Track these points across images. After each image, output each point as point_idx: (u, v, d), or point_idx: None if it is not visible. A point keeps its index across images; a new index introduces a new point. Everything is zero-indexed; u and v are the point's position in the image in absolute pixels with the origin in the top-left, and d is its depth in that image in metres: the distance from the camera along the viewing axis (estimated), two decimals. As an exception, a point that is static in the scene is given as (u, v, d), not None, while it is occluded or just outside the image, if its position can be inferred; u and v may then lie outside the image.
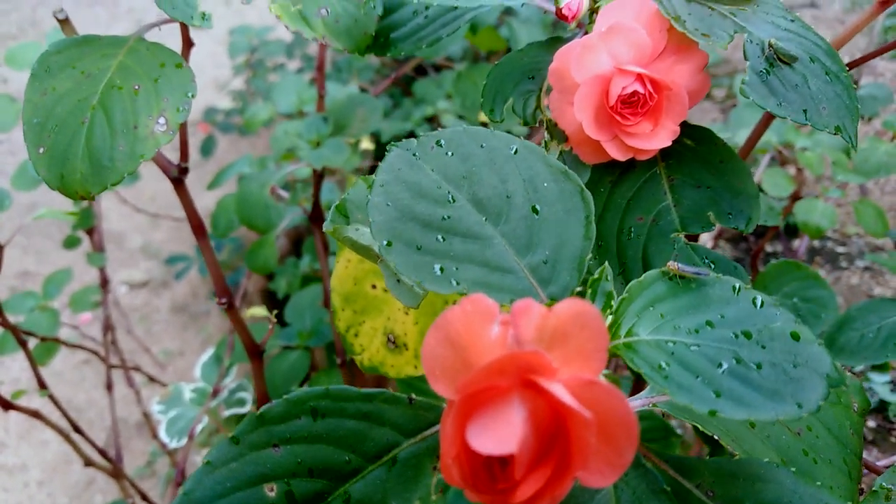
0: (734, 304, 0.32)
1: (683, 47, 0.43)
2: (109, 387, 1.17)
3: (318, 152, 0.94)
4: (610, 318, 0.32)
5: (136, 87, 0.46)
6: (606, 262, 0.32)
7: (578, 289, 0.32)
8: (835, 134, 0.40)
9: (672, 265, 0.32)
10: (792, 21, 0.43)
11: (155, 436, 1.19)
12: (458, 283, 0.31)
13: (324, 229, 0.42)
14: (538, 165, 0.35)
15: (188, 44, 0.56)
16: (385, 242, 0.32)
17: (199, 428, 1.26)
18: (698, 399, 0.28)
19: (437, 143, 0.36)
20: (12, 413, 2.23)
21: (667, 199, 0.46)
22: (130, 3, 3.67)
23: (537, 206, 0.34)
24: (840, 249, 1.92)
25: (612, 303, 0.32)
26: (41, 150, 0.44)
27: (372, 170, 2.09)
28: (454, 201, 0.34)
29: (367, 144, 1.93)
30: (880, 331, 0.91)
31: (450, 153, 0.35)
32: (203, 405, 1.34)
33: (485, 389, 0.25)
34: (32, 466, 1.91)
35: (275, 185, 0.98)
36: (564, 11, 0.45)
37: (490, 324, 0.26)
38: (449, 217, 0.33)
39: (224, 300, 0.68)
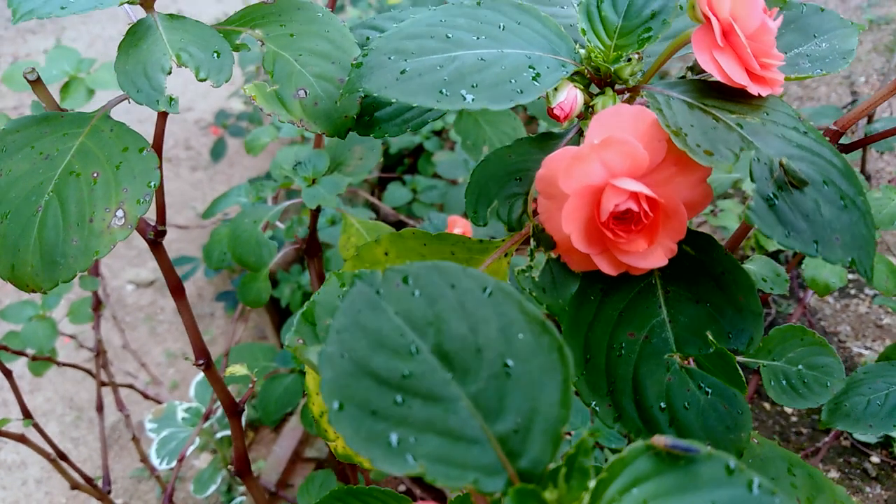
0: (727, 488, 0.28)
1: (684, 158, 0.39)
2: (100, 408, 1.15)
3: (314, 190, 0.91)
4: (586, 501, 0.28)
5: (95, 175, 0.42)
6: (585, 433, 0.29)
7: (552, 465, 0.29)
8: (848, 268, 0.36)
9: (659, 440, 0.29)
10: (805, 133, 0.39)
11: (143, 459, 1.17)
12: (415, 460, 0.28)
13: (285, 344, 0.39)
14: (513, 312, 0.31)
15: (163, 115, 0.53)
16: (336, 406, 0.29)
17: (189, 450, 1.24)
18: None
19: (404, 279, 0.32)
20: (12, 410, 2.22)
21: (662, 313, 0.43)
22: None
23: (510, 363, 0.30)
24: (849, 277, 1.87)
25: (589, 483, 0.29)
26: (-7, 236, 0.41)
27: (380, 181, 2.06)
28: (417, 353, 0.30)
29: (375, 156, 1.90)
30: (888, 397, 0.88)
31: (417, 293, 0.32)
32: (196, 425, 1.32)
33: None
34: (31, 464, 1.91)
35: (267, 221, 0.95)
36: (556, 111, 0.41)
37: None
38: (410, 374, 0.30)
39: (202, 361, 0.65)
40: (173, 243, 2.48)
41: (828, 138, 0.57)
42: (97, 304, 1.16)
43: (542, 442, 0.29)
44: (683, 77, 0.45)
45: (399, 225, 2.02)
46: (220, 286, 2.30)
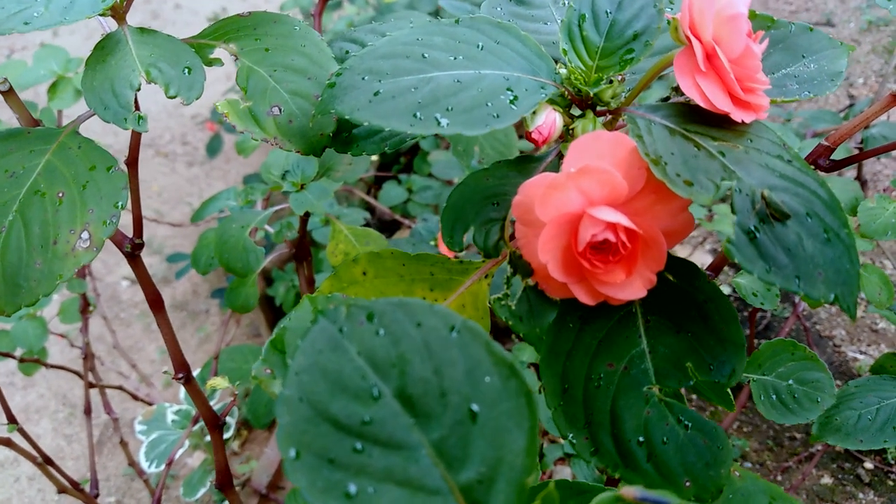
0: (694, 541, 0.27)
1: (664, 186, 0.38)
2: (87, 411, 1.14)
3: (302, 196, 0.90)
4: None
5: (61, 195, 0.41)
6: (552, 486, 0.28)
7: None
8: (831, 304, 0.35)
9: (628, 492, 0.28)
10: (789, 162, 0.38)
11: (131, 462, 1.16)
12: (371, 511, 0.27)
13: (252, 374, 0.38)
14: (480, 353, 0.30)
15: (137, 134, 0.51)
16: (293, 454, 0.28)
17: (178, 454, 1.23)
18: None
19: (369, 316, 0.31)
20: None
21: (642, 343, 0.41)
22: (146, -9, 3.63)
23: (476, 408, 0.29)
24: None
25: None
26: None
27: (376, 180, 2.05)
28: (379, 398, 0.29)
29: (370, 154, 1.88)
30: (879, 412, 0.87)
31: (381, 331, 0.31)
32: (185, 428, 1.31)
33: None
34: (24, 461, 1.90)
35: (256, 227, 0.93)
36: (534, 136, 0.40)
37: None
38: (370, 420, 0.29)
39: (181, 375, 0.64)
40: (168, 239, 2.47)
41: (819, 153, 0.56)
42: (85, 307, 1.14)
43: (507, 493, 0.28)
44: (668, 98, 0.44)
45: (394, 224, 2.01)
46: (216, 283, 2.28)
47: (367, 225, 2.02)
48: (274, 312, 1.92)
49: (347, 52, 0.51)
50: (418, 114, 0.38)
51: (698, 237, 1.98)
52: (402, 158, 2.03)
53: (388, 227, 2.01)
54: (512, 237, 0.41)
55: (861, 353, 1.75)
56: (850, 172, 1.67)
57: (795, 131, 1.38)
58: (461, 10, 1.37)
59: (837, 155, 1.10)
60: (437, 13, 1.73)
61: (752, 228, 0.35)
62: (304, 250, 1.02)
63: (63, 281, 0.39)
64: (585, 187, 0.37)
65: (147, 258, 2.49)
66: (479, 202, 0.42)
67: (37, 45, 3.37)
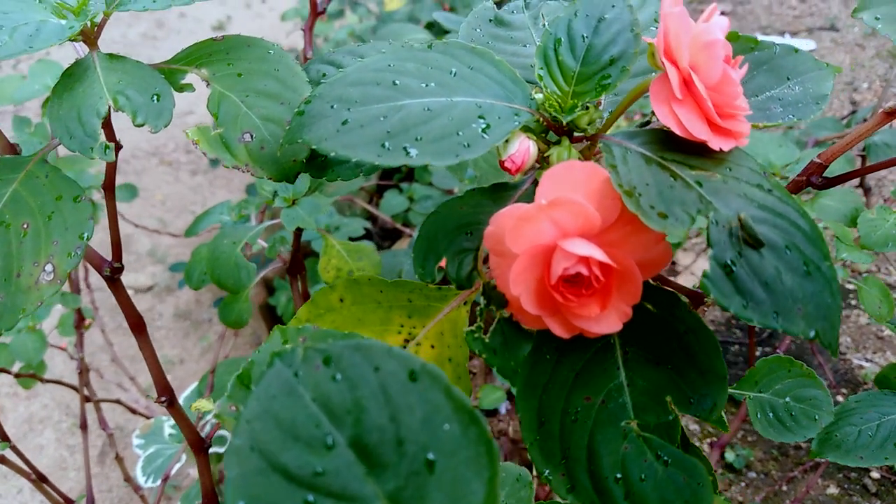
0: None
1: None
2: (83, 426, 1.13)
3: (293, 211, 0.89)
4: None
5: (25, 226, 0.40)
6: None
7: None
8: (811, 341, 0.34)
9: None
10: (769, 191, 0.36)
11: (127, 478, 1.15)
12: (320, 570, 0.26)
13: (214, 412, 0.37)
14: (440, 399, 0.29)
15: (115, 147, 0.50)
16: (240, 507, 0.27)
17: (174, 469, 1.23)
18: None
19: (325, 360, 0.30)
20: (9, 416, 2.22)
21: (620, 375, 0.40)
22: None
23: (433, 457, 0.28)
24: (850, 286, 1.84)
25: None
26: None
27: (378, 189, 2.04)
28: (333, 447, 0.28)
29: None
30: (879, 428, 0.85)
31: (337, 376, 0.30)
32: (182, 442, 1.30)
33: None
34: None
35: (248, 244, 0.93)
36: (507, 164, 0.39)
37: None
38: (323, 471, 0.28)
39: (164, 399, 0.64)
40: (171, 248, 2.47)
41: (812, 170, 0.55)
42: (80, 321, 1.14)
43: (465, 546, 0.27)
44: (648, 122, 0.43)
45: (395, 233, 2.00)
46: (218, 292, 2.28)
47: (368, 233, 2.01)
48: (276, 321, 1.92)
49: (324, 74, 0.50)
50: (387, 144, 0.37)
51: (700, 244, 1.96)
52: (402, 167, 2.02)
53: (389, 235, 2.01)
54: (486, 260, 0.40)
55: (867, 360, 1.73)
56: (853, 180, 1.65)
57: (797, 139, 1.36)
58: (456, 22, 1.36)
59: (839, 164, 1.08)
60: (430, 25, 1.72)
61: (729, 262, 0.34)
62: (298, 265, 1.01)
63: (26, 315, 0.38)
64: (558, 218, 0.36)
65: (150, 267, 2.49)
66: (452, 231, 0.40)
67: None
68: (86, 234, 0.40)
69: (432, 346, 0.47)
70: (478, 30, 0.49)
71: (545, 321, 0.38)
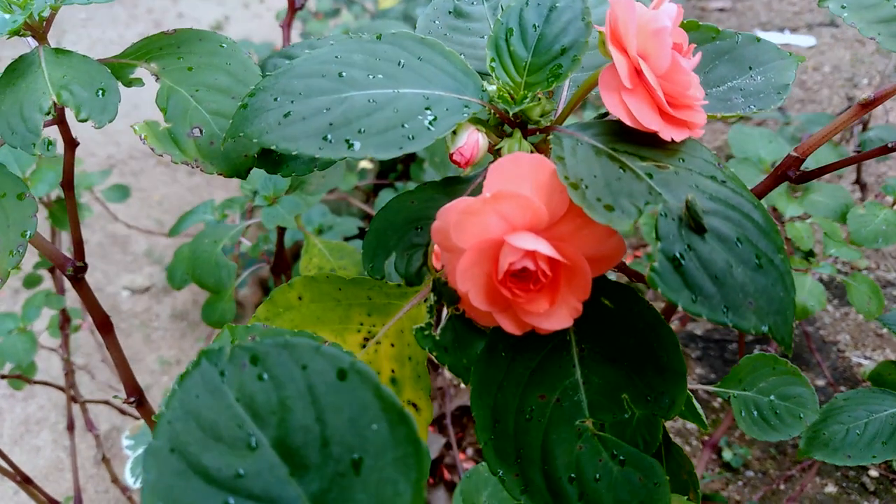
0: None
1: (591, 209, 0.35)
2: (70, 426, 1.13)
3: (273, 210, 0.89)
4: None
5: (-32, 225, 0.40)
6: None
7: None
8: (764, 336, 0.33)
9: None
10: (723, 183, 0.35)
11: (114, 480, 1.15)
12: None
13: (153, 417, 0.36)
14: (368, 398, 0.28)
15: (71, 144, 0.50)
16: (157, 511, 0.26)
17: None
18: None
19: (252, 359, 0.29)
20: (6, 417, 2.22)
21: (575, 373, 0.39)
22: (150, 4, 3.65)
23: (358, 457, 0.27)
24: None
25: None
26: None
27: (375, 189, 2.03)
28: (256, 448, 0.27)
29: (365, 163, 1.87)
30: (867, 427, 0.84)
31: (264, 375, 0.29)
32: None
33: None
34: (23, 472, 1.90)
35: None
36: (456, 157, 0.38)
37: None
38: (245, 473, 0.27)
39: (133, 399, 0.63)
40: (168, 249, 2.47)
41: (788, 164, 0.54)
42: (65, 322, 1.13)
43: (390, 550, 0.26)
44: (605, 114, 0.42)
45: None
46: (214, 293, 2.27)
47: (363, 232, 2.00)
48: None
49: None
50: (329, 136, 0.36)
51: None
52: (398, 166, 2.01)
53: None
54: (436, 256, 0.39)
55: (866, 358, 1.71)
56: (851, 175, 1.63)
57: (792, 135, 1.35)
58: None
59: (828, 159, 1.06)
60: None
61: (678, 255, 0.33)
62: (283, 263, 1.01)
63: (-35, 315, 0.38)
64: (505, 212, 0.35)
65: (148, 268, 2.49)
66: (402, 226, 0.39)
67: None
68: (28, 232, 0.40)
69: (392, 345, 0.46)
70: (436, 21, 0.48)
71: (496, 318, 0.37)
